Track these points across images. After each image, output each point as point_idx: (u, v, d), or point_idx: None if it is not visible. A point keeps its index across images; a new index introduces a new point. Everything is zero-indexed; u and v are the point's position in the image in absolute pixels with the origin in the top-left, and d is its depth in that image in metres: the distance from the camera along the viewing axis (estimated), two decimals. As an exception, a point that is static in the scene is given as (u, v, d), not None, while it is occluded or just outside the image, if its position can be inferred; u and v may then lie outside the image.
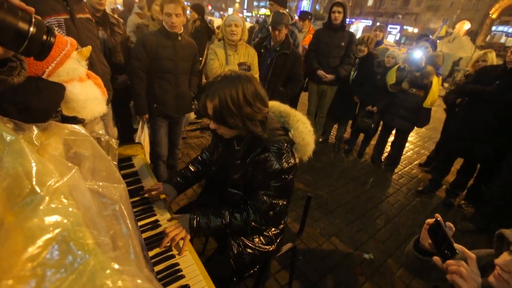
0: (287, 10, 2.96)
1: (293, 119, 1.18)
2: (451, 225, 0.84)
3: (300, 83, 2.69)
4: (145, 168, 1.39)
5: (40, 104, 0.67)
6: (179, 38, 1.89)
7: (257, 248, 1.17)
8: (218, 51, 2.17)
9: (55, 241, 0.31)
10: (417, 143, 4.51)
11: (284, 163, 1.01)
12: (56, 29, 0.91)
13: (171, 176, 1.39)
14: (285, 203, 1.09)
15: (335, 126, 3.90)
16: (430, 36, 4.26)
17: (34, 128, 0.54)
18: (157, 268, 0.90)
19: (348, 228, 2.31)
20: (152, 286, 0.39)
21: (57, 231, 0.32)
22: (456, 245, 0.75)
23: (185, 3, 1.91)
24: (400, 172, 3.43)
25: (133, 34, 2.62)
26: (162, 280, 0.87)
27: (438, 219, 0.81)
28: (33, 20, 0.43)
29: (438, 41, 9.19)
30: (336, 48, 3.02)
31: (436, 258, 0.77)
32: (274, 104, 1.25)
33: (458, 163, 2.84)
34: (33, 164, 0.39)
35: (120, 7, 7.15)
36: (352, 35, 3.07)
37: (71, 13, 1.47)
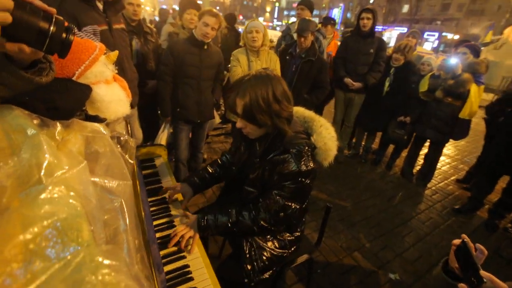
0: (317, 19, 2.93)
1: (317, 124, 1.18)
2: (483, 248, 0.74)
3: (326, 91, 2.63)
4: (165, 169, 1.44)
5: (67, 104, 0.72)
6: (205, 47, 1.96)
7: (270, 251, 1.15)
8: (240, 57, 2.21)
9: (47, 230, 0.33)
10: (455, 157, 4.15)
11: (303, 166, 1.00)
12: (91, 36, 0.99)
13: (189, 176, 1.42)
14: (298, 207, 1.07)
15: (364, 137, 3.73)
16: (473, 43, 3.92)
17: (58, 124, 0.59)
18: (168, 268, 0.91)
19: (372, 244, 2.16)
20: (134, 285, 0.39)
21: (51, 220, 0.34)
22: (482, 273, 0.66)
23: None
24: (434, 188, 3.16)
25: (165, 42, 2.77)
26: (172, 280, 0.87)
27: (465, 240, 0.72)
28: (54, 19, 0.46)
29: (482, 48, 8.45)
30: (364, 55, 2.91)
31: (462, 285, 0.68)
32: (299, 110, 1.25)
33: (503, 181, 2.55)
34: (47, 156, 0.42)
35: (157, 19, 7.67)
36: (382, 41, 2.95)
37: (109, 25, 1.60)
